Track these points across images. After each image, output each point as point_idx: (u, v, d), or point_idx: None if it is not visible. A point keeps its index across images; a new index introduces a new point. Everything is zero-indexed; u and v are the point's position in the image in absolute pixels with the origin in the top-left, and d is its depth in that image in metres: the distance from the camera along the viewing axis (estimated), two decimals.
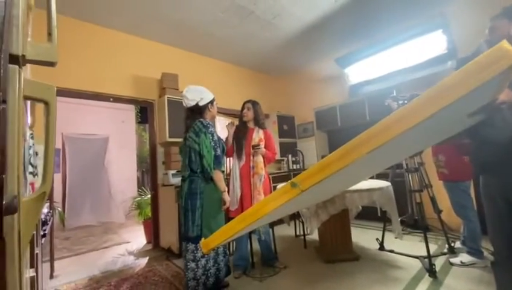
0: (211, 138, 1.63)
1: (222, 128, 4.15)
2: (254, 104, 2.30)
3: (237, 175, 2.13)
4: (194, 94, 1.72)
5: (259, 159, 2.18)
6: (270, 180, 2.33)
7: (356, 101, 3.77)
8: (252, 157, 2.16)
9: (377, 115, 3.48)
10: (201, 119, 1.69)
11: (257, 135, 2.25)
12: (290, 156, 4.26)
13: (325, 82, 4.38)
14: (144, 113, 4.97)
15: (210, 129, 1.66)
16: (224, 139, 1.91)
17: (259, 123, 2.28)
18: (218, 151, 1.64)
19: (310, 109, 4.54)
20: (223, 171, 1.68)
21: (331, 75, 4.23)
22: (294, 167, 4.06)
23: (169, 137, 3.02)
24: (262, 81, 4.77)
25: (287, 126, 4.65)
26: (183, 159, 1.75)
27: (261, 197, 2.08)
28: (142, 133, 5.78)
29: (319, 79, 4.46)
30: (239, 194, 2.11)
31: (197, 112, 1.73)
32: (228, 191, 2.18)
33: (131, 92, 3.07)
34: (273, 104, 4.82)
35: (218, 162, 1.62)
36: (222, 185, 1.66)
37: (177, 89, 3.23)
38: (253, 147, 2.14)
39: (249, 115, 2.25)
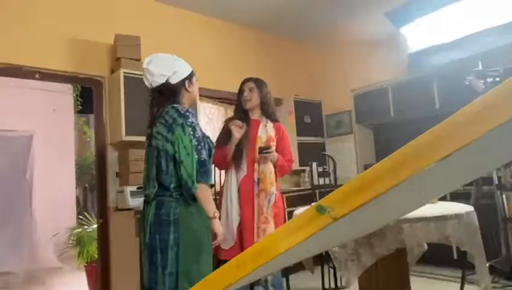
0: (191, 132, 1.64)
1: (209, 120, 4.17)
2: (259, 83, 2.32)
3: (234, 194, 2.15)
4: (162, 66, 1.74)
5: (269, 168, 2.18)
6: (283, 201, 2.34)
7: (418, 80, 3.73)
8: (256, 166, 2.16)
9: (452, 100, 3.46)
10: (175, 105, 1.70)
11: (265, 131, 2.27)
12: (314, 164, 4.26)
13: (370, 49, 4.37)
14: (87, 97, 5.02)
15: (190, 120, 1.66)
16: (213, 139, 1.93)
17: (267, 112, 2.30)
18: (204, 154, 1.65)
19: (345, 91, 4.52)
20: (212, 186, 1.69)
21: (380, 39, 4.22)
22: (321, 182, 4.05)
23: (127, 135, 3.04)
24: (273, 48, 4.78)
25: (310, 118, 4.65)
26: (147, 168, 1.76)
27: (270, 228, 2.09)
28: (83, 128, 5.82)
29: (361, 44, 4.45)
30: (236, 224, 2.12)
31: (168, 94, 1.74)
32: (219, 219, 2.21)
33: (66, 65, 3.09)
34: (289, 84, 4.83)
35: (204, 170, 1.62)
36: (211, 207, 1.67)
37: (139, 60, 3.25)
38: (261, 149, 2.15)
39: (252, 99, 2.28)
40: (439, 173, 0.89)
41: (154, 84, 1.75)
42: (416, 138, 0.73)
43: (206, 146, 1.72)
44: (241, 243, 2.11)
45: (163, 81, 1.74)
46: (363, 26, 4.40)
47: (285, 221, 2.31)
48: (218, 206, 2.29)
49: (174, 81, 1.75)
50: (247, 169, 2.17)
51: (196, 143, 1.63)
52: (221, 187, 2.34)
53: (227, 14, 4.16)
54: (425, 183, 0.99)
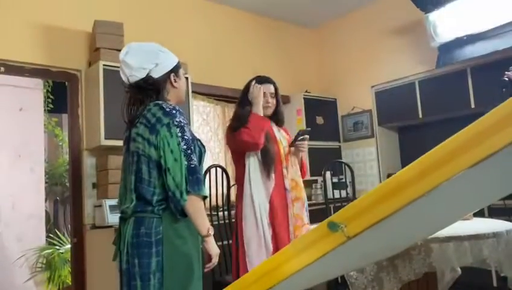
0: (179, 134, 1.62)
1: (204, 120, 4.19)
2: (276, 86, 2.42)
3: (265, 209, 2.18)
4: (142, 58, 1.74)
5: (297, 171, 2.31)
6: None
7: (450, 74, 3.75)
8: (285, 172, 2.24)
9: (489, 98, 3.46)
10: (159, 102, 1.71)
11: (281, 136, 2.39)
12: (328, 174, 4.26)
13: (393, 38, 4.39)
14: (60, 94, 5.05)
15: (177, 118, 1.66)
16: (206, 143, 1.96)
17: (280, 118, 2.42)
18: (195, 160, 1.64)
19: (365, 87, 4.55)
20: (205, 198, 1.71)
21: (404, 26, 4.25)
22: (337, 196, 4.07)
23: (106, 138, 3.07)
24: (279, 37, 4.83)
25: (324, 118, 4.68)
26: (125, 178, 1.76)
27: None
28: (55, 130, 5.85)
29: (383, 33, 4.48)
30: (270, 251, 2.14)
31: (149, 90, 1.74)
32: (241, 245, 2.22)
33: (36, 57, 3.13)
34: (298, 79, 4.86)
35: (195, 179, 1.61)
36: (204, 222, 1.66)
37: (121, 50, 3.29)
38: (302, 133, 2.27)
39: (272, 105, 2.38)
40: (473, 183, 0.91)
41: (133, 80, 1.73)
42: (447, 139, 0.75)
43: (197, 149, 1.72)
44: None
45: (144, 75, 1.72)
46: (386, 11, 4.43)
47: None
48: (238, 226, 2.27)
49: (156, 75, 1.74)
50: (276, 178, 2.24)
51: (185, 146, 1.62)
52: (239, 202, 2.32)
53: None
54: (455, 195, 1.01)
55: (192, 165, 1.62)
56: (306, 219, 2.25)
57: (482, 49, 3.55)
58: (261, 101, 2.31)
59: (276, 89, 2.42)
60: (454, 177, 0.74)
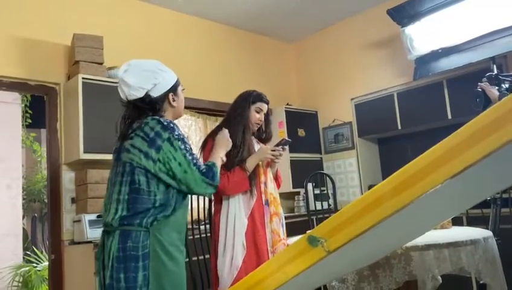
0: (182, 146, 1.67)
1: (185, 133, 4.16)
2: (268, 104, 2.40)
3: (241, 231, 2.14)
4: (141, 77, 1.75)
5: (275, 186, 2.32)
6: None
7: (427, 86, 3.84)
8: (263, 187, 2.24)
9: (466, 109, 3.53)
10: (155, 116, 1.73)
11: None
12: (310, 186, 4.29)
13: (371, 52, 4.49)
14: (39, 109, 4.99)
15: (176, 132, 1.69)
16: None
17: (268, 137, 2.45)
18: (202, 164, 1.73)
19: (345, 99, 4.61)
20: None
21: (382, 39, 4.34)
22: (319, 207, 4.08)
23: (86, 152, 3.04)
24: (261, 51, 4.89)
25: (305, 131, 4.72)
26: (111, 189, 1.75)
27: None
28: (33, 146, 5.76)
29: (361, 46, 4.57)
30: (240, 261, 2.10)
31: (146, 109, 1.76)
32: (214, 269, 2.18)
33: (13, 70, 3.10)
34: (280, 92, 4.91)
35: (211, 176, 1.73)
36: (220, 155, 1.91)
37: (101, 64, 3.28)
38: (281, 144, 2.26)
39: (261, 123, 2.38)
40: (450, 192, 0.92)
41: (131, 98, 1.75)
42: (423, 154, 0.76)
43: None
44: None
45: (142, 94, 1.74)
46: (364, 25, 4.52)
47: None
48: (215, 243, 2.23)
49: (155, 94, 1.76)
50: (257, 192, 2.22)
51: (191, 157, 1.69)
52: (215, 219, 2.28)
53: (207, 11, 4.23)
54: (433, 204, 1.03)
55: (204, 170, 1.71)
56: (282, 234, 2.23)
57: (457, 61, 3.66)
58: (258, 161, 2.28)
59: (268, 108, 2.41)
60: (429, 191, 0.75)
